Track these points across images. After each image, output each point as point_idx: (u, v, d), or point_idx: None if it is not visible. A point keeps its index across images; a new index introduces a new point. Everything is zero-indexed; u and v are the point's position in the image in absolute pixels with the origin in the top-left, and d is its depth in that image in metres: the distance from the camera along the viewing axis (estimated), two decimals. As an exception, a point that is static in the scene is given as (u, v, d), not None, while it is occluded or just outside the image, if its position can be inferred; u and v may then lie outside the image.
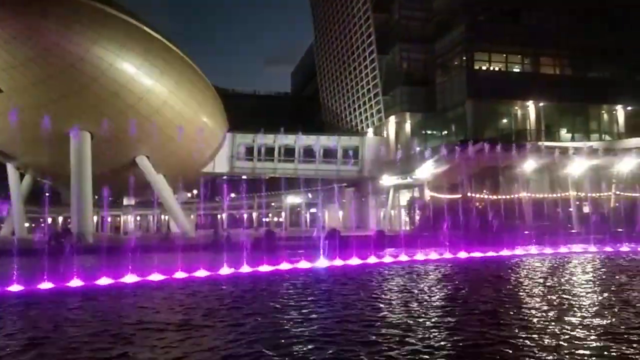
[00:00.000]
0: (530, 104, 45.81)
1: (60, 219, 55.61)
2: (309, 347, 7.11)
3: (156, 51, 38.43)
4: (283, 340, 7.48)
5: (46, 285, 13.82)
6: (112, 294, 12.90)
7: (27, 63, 32.71)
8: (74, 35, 33.15)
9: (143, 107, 37.77)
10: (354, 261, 20.01)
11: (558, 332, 7.78)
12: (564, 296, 11.20)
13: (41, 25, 32.06)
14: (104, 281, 14.65)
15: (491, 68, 46.65)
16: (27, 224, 50.87)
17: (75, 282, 14.33)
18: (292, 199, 60.68)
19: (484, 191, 36.63)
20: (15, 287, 13.41)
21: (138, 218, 63.28)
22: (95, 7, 34.21)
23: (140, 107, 37.62)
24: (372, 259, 20.63)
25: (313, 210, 63.53)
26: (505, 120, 47.51)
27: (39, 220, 58.18)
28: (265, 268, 17.87)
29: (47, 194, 61.14)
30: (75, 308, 11.14)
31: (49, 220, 55.92)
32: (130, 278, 15.10)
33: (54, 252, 17.62)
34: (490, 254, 23.16)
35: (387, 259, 20.96)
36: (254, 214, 62.57)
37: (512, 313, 9.40)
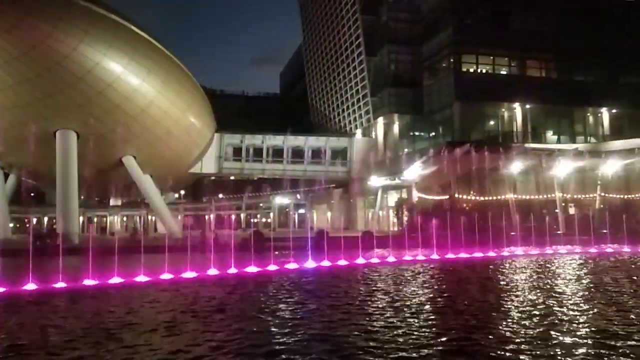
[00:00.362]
0: (517, 106, 46.24)
1: (46, 219, 54.92)
2: (292, 352, 7.09)
3: (143, 50, 38.13)
4: (265, 347, 7.45)
5: (30, 286, 13.65)
6: (97, 295, 12.78)
7: (12, 61, 32.27)
8: (60, 33, 32.78)
9: (129, 106, 37.46)
10: (342, 262, 20.01)
11: (544, 333, 7.85)
12: (549, 296, 11.30)
13: (26, 23, 31.65)
14: (88, 282, 14.50)
15: (478, 70, 47.02)
16: (11, 225, 50.14)
17: (60, 283, 14.17)
18: (281, 200, 60.56)
19: (471, 192, 36.86)
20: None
21: (124, 218, 62.68)
22: (82, 5, 33.84)
23: (126, 107, 37.31)
24: (360, 260, 20.66)
25: (301, 211, 63.46)
26: (492, 122, 47.93)
27: (24, 221, 57.43)
28: (252, 269, 17.81)
29: (32, 194, 60.50)
30: (58, 309, 11.02)
31: (34, 220, 55.19)
32: (115, 279, 14.96)
33: (39, 253, 17.37)
34: (477, 254, 23.32)
35: (375, 260, 20.99)
36: (242, 215, 62.29)
37: (496, 314, 9.47)
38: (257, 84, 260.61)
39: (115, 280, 14.96)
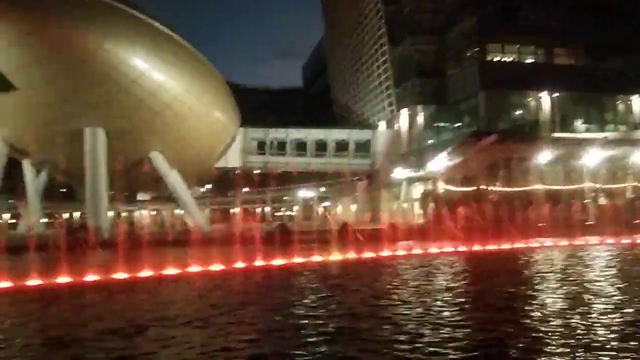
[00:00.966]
0: (544, 95, 45.23)
1: (76, 214, 56.23)
2: (321, 344, 7.10)
3: (167, 46, 38.61)
4: (293, 338, 7.48)
5: (63, 279, 14.00)
6: (128, 288, 13.03)
7: (40, 60, 33.06)
8: (84, 32, 33.43)
9: (154, 102, 37.99)
10: (368, 254, 19.98)
11: (578, 325, 7.70)
12: (581, 288, 11.08)
13: (52, 23, 32.37)
14: (119, 275, 14.81)
15: (504, 59, 46.10)
16: (43, 220, 51.47)
17: (92, 276, 14.50)
18: (305, 193, 60.75)
19: (498, 183, 36.32)
20: (34, 282, 13.61)
21: (153, 213, 63.75)
22: (105, 3, 34.45)
23: (151, 103, 37.85)
24: (385, 252, 20.59)
25: (326, 204, 63.55)
26: (518, 112, 46.96)
27: (55, 216, 58.89)
28: (278, 262, 17.93)
29: (62, 190, 61.84)
30: (91, 302, 11.27)
31: (65, 216, 56.59)
32: (146, 272, 15.25)
33: (70, 246, 17.85)
34: (505, 246, 23.00)
35: (401, 252, 20.90)
36: (267, 208, 62.72)
37: (528, 307, 9.32)
38: (280, 78, 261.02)
39: (145, 273, 15.24)
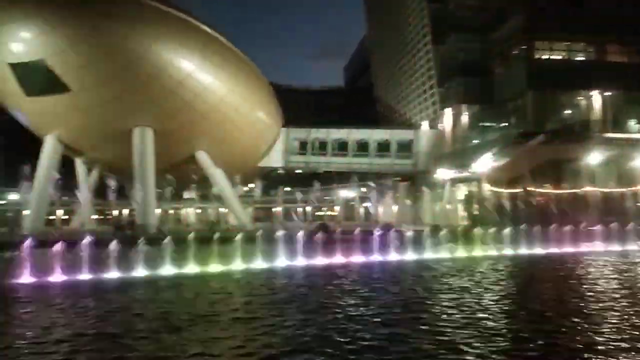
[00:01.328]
0: (595, 94, 43.59)
1: (125, 211, 58.10)
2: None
3: (213, 48, 39.35)
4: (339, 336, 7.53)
5: (113, 274, 14.55)
6: (174, 283, 13.42)
7: (93, 62, 34.31)
8: (135, 35, 34.51)
9: (201, 103, 38.82)
10: (409, 256, 19.81)
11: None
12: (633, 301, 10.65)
13: (105, 26, 33.56)
14: (166, 271, 15.26)
15: (553, 57, 44.68)
16: (94, 216, 53.41)
17: (140, 272, 14.99)
18: (346, 193, 60.72)
19: (546, 185, 35.26)
20: (85, 276, 14.19)
21: (198, 211, 65.18)
22: (155, 6, 35.42)
23: (198, 103, 38.69)
24: (427, 255, 20.35)
25: (367, 204, 63.30)
26: (568, 111, 45.38)
27: (105, 213, 61.03)
28: (320, 261, 18.03)
29: (112, 188, 63.85)
30: (139, 297, 11.67)
31: (115, 212, 58.54)
32: (192, 268, 15.67)
33: (119, 243, 18.44)
34: (553, 250, 22.32)
35: (444, 255, 20.61)
36: (308, 208, 63.02)
37: (578, 319, 9.05)
38: (322, 78, 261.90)
39: (191, 269, 15.63)
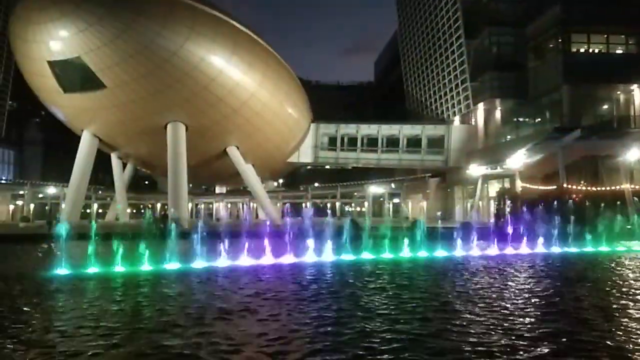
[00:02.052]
0: (635, 88, 42.18)
1: (159, 205, 59.41)
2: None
3: (244, 45, 39.71)
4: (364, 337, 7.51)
5: (146, 267, 14.89)
6: (205, 276, 13.63)
7: (127, 60, 35.10)
8: (168, 32, 35.12)
9: (232, 99, 39.27)
10: (440, 253, 19.62)
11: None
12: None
13: (139, 23, 34.26)
14: (199, 264, 15.53)
15: (590, 50, 43.41)
16: (129, 210, 54.74)
17: (173, 265, 15.30)
18: (375, 189, 60.53)
19: (582, 182, 34.34)
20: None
21: (229, 205, 66.11)
22: (187, 3, 35.93)
23: (229, 100, 39.15)
24: (458, 252, 20.11)
25: (396, 200, 62.98)
26: (605, 106, 44.10)
27: (139, 207, 62.55)
28: (348, 257, 18.04)
29: (146, 182, 65.53)
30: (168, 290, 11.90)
31: (149, 206, 59.91)
32: (223, 262, 15.90)
33: (152, 236, 18.84)
34: (588, 249, 21.75)
35: (474, 253, 20.32)
36: (337, 204, 63.13)
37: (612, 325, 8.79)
38: (352, 74, 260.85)
39: (222, 262, 15.86)
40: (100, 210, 60.09)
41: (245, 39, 40.00)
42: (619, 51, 44.06)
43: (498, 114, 49.64)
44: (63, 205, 45.77)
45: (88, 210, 56.18)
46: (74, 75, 36.50)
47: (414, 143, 54.17)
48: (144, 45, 34.86)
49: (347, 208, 66.80)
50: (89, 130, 41.75)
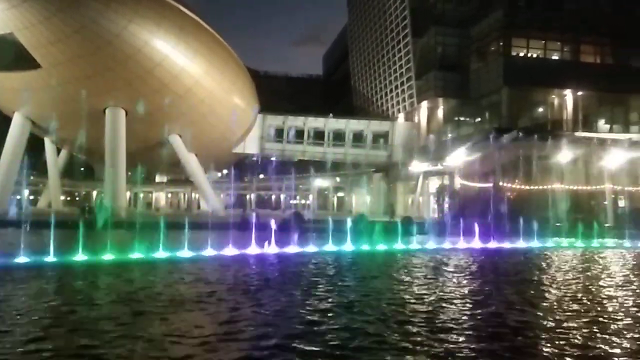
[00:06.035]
0: (568, 93, 44.52)
1: (94, 193, 57.12)
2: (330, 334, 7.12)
3: (190, 30, 38.73)
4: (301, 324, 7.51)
5: (80, 257, 14.24)
6: (140, 268, 13.21)
7: (65, 39, 33.43)
8: (111, 13, 33.68)
9: (177, 85, 38.25)
10: (380, 247, 19.96)
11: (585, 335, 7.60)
12: (595, 292, 10.92)
13: (79, 2, 32.64)
14: (134, 255, 15.01)
15: (529, 54, 45.38)
16: (62, 197, 52.31)
17: (108, 255, 14.72)
18: (320, 182, 60.84)
19: (517, 181, 35.92)
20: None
21: (169, 195, 64.49)
22: (132, -15, 34.57)
23: (174, 86, 38.11)
24: (398, 246, 20.53)
25: (341, 194, 63.58)
26: (541, 109, 46.35)
27: (74, 194, 59.89)
28: (292, 249, 18.01)
29: (82, 169, 62.77)
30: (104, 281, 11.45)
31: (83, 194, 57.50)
32: (160, 253, 15.44)
33: (87, 225, 18.08)
34: (520, 245, 22.78)
35: (414, 246, 20.83)
36: (282, 196, 62.99)
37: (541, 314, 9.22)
38: (301, 66, 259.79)
39: (160, 254, 15.41)
40: (32, 197, 57.10)
41: (191, 25, 39.00)
42: (555, 57, 46.27)
43: (440, 113, 51.02)
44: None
45: (18, 197, 53.21)
46: (6, 53, 34.34)
47: (359, 138, 54.80)
48: (83, 25, 33.28)
49: (291, 201, 66.75)
50: (20, 113, 39.49)
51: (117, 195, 37.81)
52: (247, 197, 61.79)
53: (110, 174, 38.09)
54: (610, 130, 44.21)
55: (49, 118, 40.60)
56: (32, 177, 54.95)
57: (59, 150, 48.66)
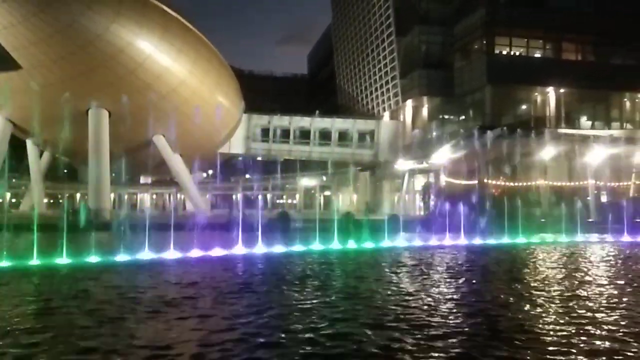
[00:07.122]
0: (551, 90, 45.08)
1: (78, 195, 56.45)
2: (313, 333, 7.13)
3: (174, 30, 38.45)
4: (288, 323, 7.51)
5: (64, 260, 14.06)
6: (129, 270, 13.09)
7: (47, 40, 32.98)
8: (92, 13, 33.31)
9: (160, 85, 37.95)
10: (368, 245, 20.02)
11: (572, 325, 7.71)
12: (580, 285, 11.08)
13: (61, 2, 32.22)
14: (120, 257, 14.87)
15: (512, 52, 45.86)
16: (45, 200, 51.62)
17: (93, 258, 14.56)
18: (307, 182, 60.82)
19: (501, 178, 36.28)
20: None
21: (154, 196, 63.96)
22: (114, -16, 34.23)
23: (157, 86, 37.80)
24: (386, 244, 20.61)
25: (327, 193, 63.63)
26: (524, 106, 46.87)
27: (57, 197, 59.12)
28: (278, 249, 17.97)
29: (65, 171, 61.96)
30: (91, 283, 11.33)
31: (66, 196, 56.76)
32: (146, 255, 15.31)
33: (71, 228, 17.86)
34: (505, 241, 23.00)
35: (401, 244, 20.93)
36: (269, 196, 62.83)
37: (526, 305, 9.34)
38: (285, 65, 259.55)
39: (146, 255, 15.28)
40: (14, 200, 56.26)
41: (175, 25, 38.71)
42: (537, 55, 46.82)
43: (425, 111, 51.33)
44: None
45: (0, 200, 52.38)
46: (-15, 54, 33.78)
47: (345, 137, 54.89)
48: (65, 25, 32.85)
49: (278, 200, 66.67)
50: (1, 114, 38.87)
51: (100, 197, 37.38)
52: (234, 197, 61.52)
53: (93, 175, 37.65)
54: (592, 127, 44.90)
55: (31, 120, 40.05)
56: (14, 180, 54.14)
57: (41, 153, 47.97)
